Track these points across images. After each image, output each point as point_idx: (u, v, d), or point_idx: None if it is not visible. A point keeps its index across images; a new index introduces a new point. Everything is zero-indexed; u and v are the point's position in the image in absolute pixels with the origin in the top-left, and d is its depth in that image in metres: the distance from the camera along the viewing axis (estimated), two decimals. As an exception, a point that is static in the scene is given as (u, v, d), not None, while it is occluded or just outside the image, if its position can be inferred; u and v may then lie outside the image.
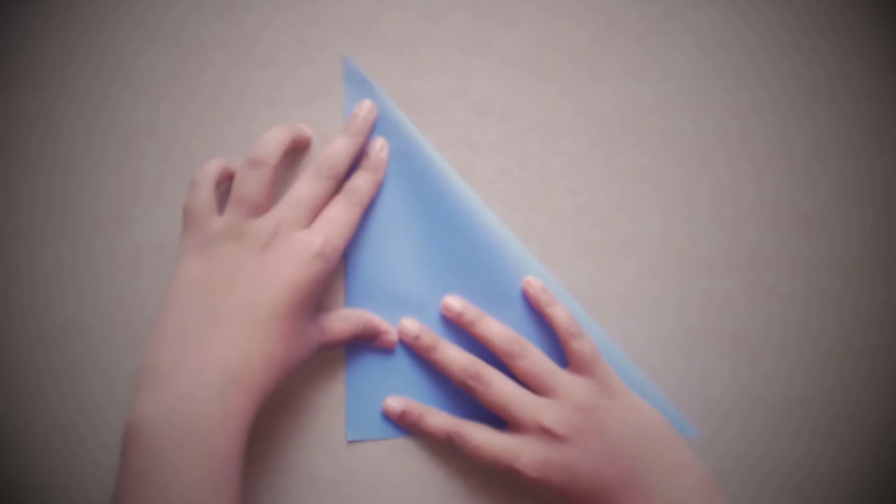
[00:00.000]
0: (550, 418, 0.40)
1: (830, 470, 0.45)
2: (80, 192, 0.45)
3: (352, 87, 0.46)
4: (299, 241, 0.39)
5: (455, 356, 0.43)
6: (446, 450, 0.44)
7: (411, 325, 0.44)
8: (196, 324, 0.37)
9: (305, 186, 0.41)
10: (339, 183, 0.43)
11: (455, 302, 0.43)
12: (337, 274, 0.45)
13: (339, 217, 0.41)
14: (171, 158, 0.45)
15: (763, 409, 0.45)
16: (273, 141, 0.42)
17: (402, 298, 0.44)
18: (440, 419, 0.43)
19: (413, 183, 0.45)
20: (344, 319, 0.43)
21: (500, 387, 0.42)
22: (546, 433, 0.40)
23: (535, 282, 0.43)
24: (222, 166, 0.42)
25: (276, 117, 0.46)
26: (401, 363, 0.44)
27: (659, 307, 0.46)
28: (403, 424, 0.43)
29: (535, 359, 0.42)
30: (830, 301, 0.46)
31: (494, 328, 0.43)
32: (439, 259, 0.44)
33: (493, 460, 0.41)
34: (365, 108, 0.44)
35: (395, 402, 0.44)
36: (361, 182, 0.43)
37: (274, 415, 0.43)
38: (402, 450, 0.44)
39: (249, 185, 0.40)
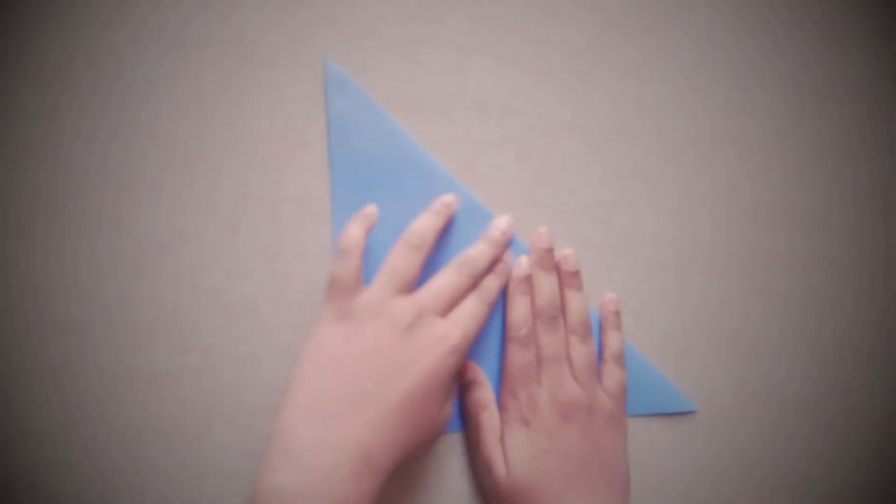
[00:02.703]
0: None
1: (828, 469, 0.45)
2: (82, 191, 0.45)
3: (334, 87, 0.46)
4: (440, 332, 0.41)
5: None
6: (442, 449, 0.44)
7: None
8: (336, 400, 0.38)
9: (449, 279, 0.43)
10: (476, 282, 0.44)
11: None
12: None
13: (472, 313, 0.42)
14: (172, 158, 0.45)
15: (761, 408, 0.46)
16: (433, 230, 0.43)
17: None
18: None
19: (400, 179, 0.45)
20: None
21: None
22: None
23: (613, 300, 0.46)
24: (367, 232, 0.43)
25: (276, 116, 0.46)
26: None
27: (657, 306, 0.46)
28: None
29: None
30: (828, 300, 0.46)
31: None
32: (432, 256, 0.45)
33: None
34: (504, 223, 0.45)
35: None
36: (493, 284, 0.44)
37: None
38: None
39: (404, 264, 0.41)
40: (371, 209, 0.43)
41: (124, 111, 0.46)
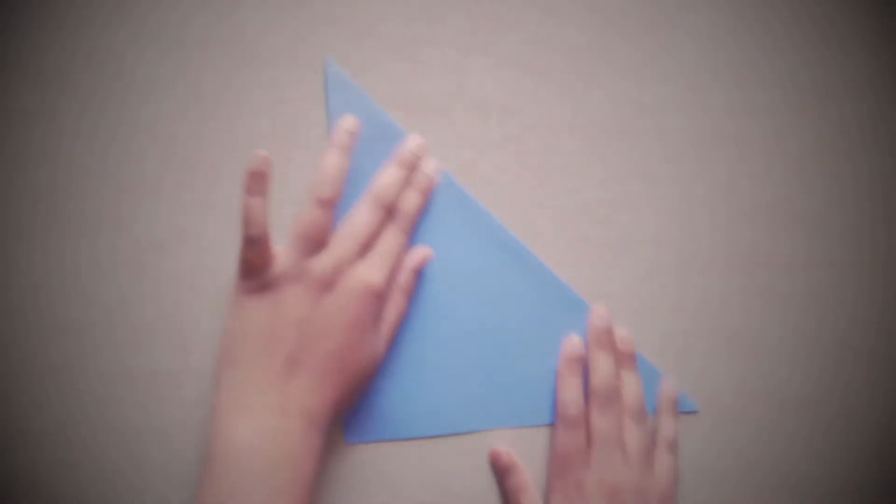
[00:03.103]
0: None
1: (828, 469, 0.45)
2: (82, 191, 0.45)
3: (334, 87, 0.46)
4: (361, 281, 0.41)
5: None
6: (442, 449, 0.44)
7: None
8: (272, 370, 0.39)
9: (362, 217, 0.42)
10: (392, 211, 0.43)
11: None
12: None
13: (391, 247, 0.42)
14: (172, 158, 0.45)
15: (761, 408, 0.46)
16: (337, 175, 0.42)
17: None
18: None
19: None
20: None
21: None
22: None
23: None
24: (266, 207, 0.41)
25: (276, 116, 0.46)
26: (394, 363, 0.44)
27: (657, 306, 0.46)
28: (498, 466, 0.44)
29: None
30: (828, 300, 0.46)
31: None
32: (438, 254, 0.45)
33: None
34: (415, 142, 0.45)
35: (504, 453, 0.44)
36: (411, 205, 0.44)
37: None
38: (400, 450, 0.44)
39: (315, 224, 0.41)
40: (258, 160, 0.39)
41: (124, 111, 0.46)
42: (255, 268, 0.40)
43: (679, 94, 0.47)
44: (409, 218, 0.44)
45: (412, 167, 0.44)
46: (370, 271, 0.41)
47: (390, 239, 0.43)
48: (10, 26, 0.45)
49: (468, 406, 0.44)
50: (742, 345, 0.46)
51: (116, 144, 0.45)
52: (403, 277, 0.43)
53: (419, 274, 0.44)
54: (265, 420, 0.38)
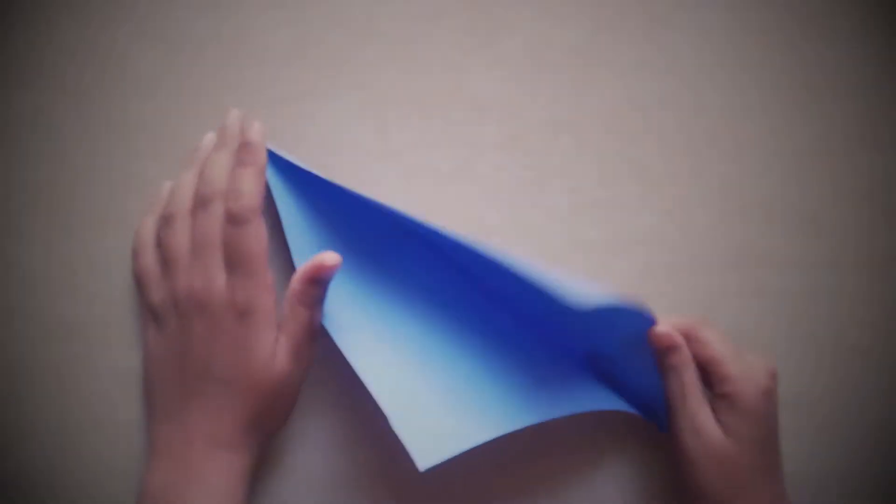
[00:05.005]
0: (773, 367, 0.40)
1: (828, 469, 0.45)
2: (76, 189, 0.45)
3: (273, 166, 0.43)
4: (222, 304, 0.38)
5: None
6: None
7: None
8: (175, 400, 0.39)
9: (201, 225, 0.39)
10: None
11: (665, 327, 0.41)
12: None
13: (242, 249, 0.38)
14: (167, 156, 0.45)
15: (761, 406, 0.45)
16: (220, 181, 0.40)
17: (388, 337, 0.42)
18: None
19: (349, 224, 0.44)
20: (289, 310, 0.39)
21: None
22: (771, 377, 0.40)
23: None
24: (152, 224, 0.42)
25: (272, 115, 0.45)
26: (427, 371, 0.41)
27: (656, 305, 0.46)
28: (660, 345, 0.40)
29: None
30: (828, 299, 0.46)
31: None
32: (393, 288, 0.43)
33: (715, 360, 0.40)
34: (233, 116, 0.43)
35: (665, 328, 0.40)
36: (247, 186, 0.39)
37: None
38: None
39: (169, 247, 0.40)
40: (161, 195, 0.43)
41: (124, 110, 0.46)
42: (143, 284, 0.41)
43: (677, 92, 0.47)
44: (249, 197, 0.38)
45: (235, 144, 0.41)
46: (232, 287, 0.38)
47: (238, 240, 0.38)
48: (9, 26, 0.45)
49: (522, 398, 0.41)
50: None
51: (116, 144, 0.45)
52: (294, 286, 0.39)
53: (315, 281, 0.39)
54: (173, 456, 0.38)
